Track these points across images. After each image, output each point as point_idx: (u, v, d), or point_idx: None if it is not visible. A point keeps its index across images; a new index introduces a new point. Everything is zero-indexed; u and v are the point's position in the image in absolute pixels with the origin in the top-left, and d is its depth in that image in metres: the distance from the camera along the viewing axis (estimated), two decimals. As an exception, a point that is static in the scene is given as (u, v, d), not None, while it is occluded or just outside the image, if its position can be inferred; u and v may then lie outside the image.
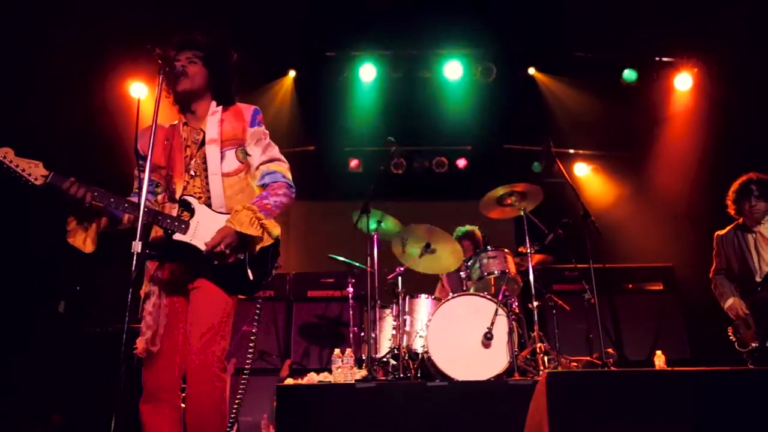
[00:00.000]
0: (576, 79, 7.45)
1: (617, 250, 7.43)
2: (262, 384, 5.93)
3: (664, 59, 7.28)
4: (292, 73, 7.58)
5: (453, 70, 7.38)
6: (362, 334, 5.68)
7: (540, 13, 6.81)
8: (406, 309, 5.30)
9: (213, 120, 3.06)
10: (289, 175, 3.12)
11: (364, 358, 5.21)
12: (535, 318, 4.99)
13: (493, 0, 6.78)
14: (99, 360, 4.87)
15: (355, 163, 8.38)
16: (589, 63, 7.33)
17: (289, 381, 4.96)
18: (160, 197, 3.00)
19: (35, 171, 2.65)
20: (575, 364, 5.14)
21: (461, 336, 4.78)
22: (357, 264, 5.83)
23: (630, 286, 6.95)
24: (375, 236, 5.57)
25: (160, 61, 2.81)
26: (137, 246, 2.50)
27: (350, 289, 5.86)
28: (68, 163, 5.48)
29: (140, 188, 2.63)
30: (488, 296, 4.93)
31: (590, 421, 3.05)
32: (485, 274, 5.29)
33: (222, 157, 2.99)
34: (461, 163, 8.40)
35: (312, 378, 4.85)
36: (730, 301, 4.73)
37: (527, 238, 5.24)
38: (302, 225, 8.65)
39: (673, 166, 7.23)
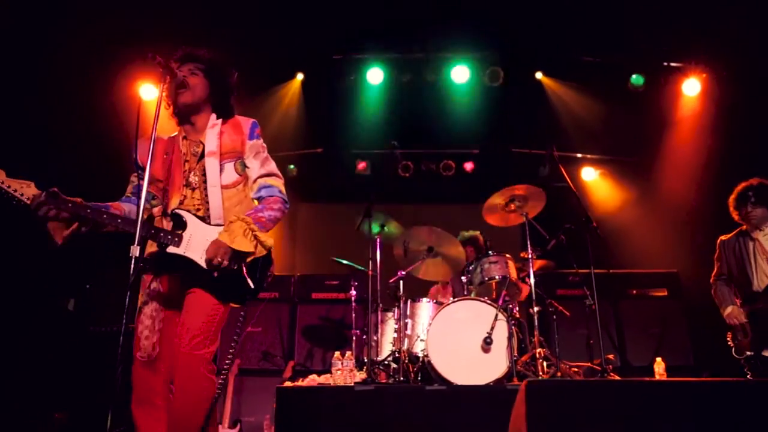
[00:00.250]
0: (584, 84, 7.43)
1: (623, 255, 7.41)
2: (266, 385, 5.99)
3: (672, 64, 7.25)
4: (300, 76, 7.61)
5: (460, 73, 7.38)
6: (364, 336, 5.72)
7: (548, 17, 6.79)
8: (408, 312, 5.34)
9: (212, 133, 3.11)
10: (284, 191, 3.17)
11: (366, 360, 5.26)
12: (536, 323, 5.01)
13: (500, 4, 6.74)
14: (103, 359, 4.93)
15: (363, 166, 8.40)
16: (597, 67, 7.30)
17: (288, 383, 5.02)
18: (155, 210, 3.07)
19: (27, 191, 2.75)
20: (575, 369, 5.15)
21: (461, 340, 4.79)
22: (359, 267, 5.87)
23: (634, 291, 6.93)
24: (378, 239, 5.60)
25: (161, 70, 2.87)
26: (135, 251, 2.55)
27: (353, 292, 5.89)
28: (78, 164, 5.58)
29: (138, 199, 2.68)
30: (489, 301, 4.95)
31: (569, 430, 3.07)
32: (486, 278, 5.31)
33: (221, 170, 3.05)
34: (468, 166, 8.39)
35: (312, 380, 4.91)
36: (729, 309, 4.73)
37: (529, 243, 5.27)
38: (309, 227, 8.72)
39: (680, 172, 7.20)
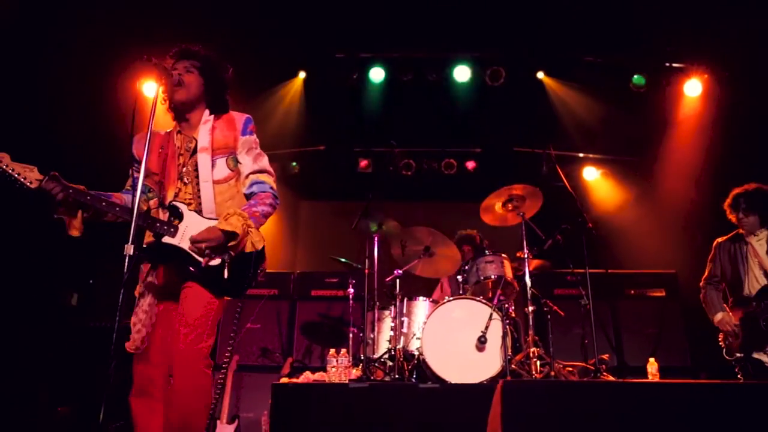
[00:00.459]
0: (585, 84, 7.43)
1: (622, 255, 7.44)
2: (264, 381, 6.02)
3: (674, 65, 7.24)
4: (302, 74, 7.65)
5: (462, 73, 7.40)
6: (361, 334, 5.76)
7: (549, 17, 6.80)
8: (404, 311, 5.39)
9: (205, 129, 3.17)
10: (275, 187, 3.24)
11: (363, 358, 5.31)
12: (530, 322, 5.05)
13: (502, 4, 6.76)
14: (103, 354, 5.00)
15: (365, 164, 8.43)
16: (599, 68, 7.30)
17: (284, 380, 5.07)
18: (152, 202, 3.15)
19: (30, 175, 2.82)
20: (570, 369, 5.18)
21: (456, 339, 4.84)
22: (355, 265, 5.91)
23: (632, 292, 6.93)
24: (376, 238, 5.64)
25: (157, 71, 2.93)
26: (129, 249, 2.61)
27: (351, 290, 5.94)
28: (83, 157, 5.63)
29: (133, 194, 2.75)
30: (484, 300, 4.99)
31: (544, 430, 3.11)
32: (482, 278, 5.34)
33: (213, 165, 3.11)
34: (470, 165, 8.42)
35: (307, 377, 4.95)
36: (719, 316, 4.77)
37: (525, 243, 5.30)
38: (311, 224, 8.78)
39: (681, 172, 7.19)
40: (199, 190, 3.07)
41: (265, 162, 3.25)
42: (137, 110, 2.98)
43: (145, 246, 3.03)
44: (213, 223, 2.95)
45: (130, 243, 2.61)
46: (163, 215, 3.05)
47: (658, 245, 7.37)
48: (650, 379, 5.15)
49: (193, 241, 2.89)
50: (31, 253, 5.75)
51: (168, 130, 3.28)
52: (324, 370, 4.95)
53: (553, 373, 4.87)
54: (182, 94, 3.13)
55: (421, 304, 5.46)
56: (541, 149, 7.22)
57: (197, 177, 3.09)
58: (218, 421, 5.65)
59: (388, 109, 7.81)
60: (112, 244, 3.02)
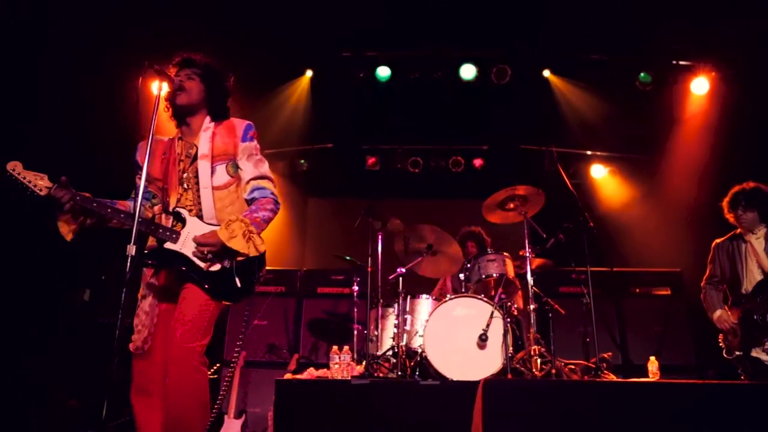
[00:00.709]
0: (592, 82, 7.44)
1: (627, 253, 7.45)
2: (271, 377, 6.06)
3: (681, 62, 7.23)
4: (309, 73, 7.72)
5: (467, 71, 7.43)
6: (365, 331, 5.83)
7: (555, 16, 6.81)
8: (407, 309, 5.42)
9: (205, 136, 3.24)
10: (276, 192, 3.32)
11: (366, 355, 5.37)
12: (532, 320, 5.09)
13: (507, 3, 6.78)
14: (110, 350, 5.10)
15: (372, 161, 8.49)
16: (605, 65, 7.31)
17: (289, 376, 5.14)
18: (156, 208, 3.22)
19: (40, 183, 2.96)
20: (572, 366, 5.21)
21: (457, 337, 4.90)
22: (359, 263, 5.97)
23: (637, 290, 6.95)
24: (380, 236, 5.70)
25: (158, 77, 3.04)
26: (131, 249, 2.70)
27: (355, 288, 6.01)
28: (93, 163, 5.72)
29: (135, 197, 2.86)
30: (485, 299, 5.03)
31: (522, 427, 3.15)
32: (484, 276, 5.39)
33: (212, 172, 3.18)
34: (478, 162, 8.45)
35: (311, 373, 5.02)
36: (718, 313, 4.82)
37: (527, 241, 5.34)
38: (319, 222, 8.84)
39: (687, 170, 7.20)
40: (199, 196, 3.15)
41: (265, 168, 3.32)
42: (140, 115, 3.08)
43: (147, 252, 3.11)
44: (215, 228, 3.03)
45: (132, 243, 2.70)
46: (167, 221, 3.13)
47: (663, 243, 7.37)
48: (651, 377, 5.18)
49: (197, 242, 2.97)
50: (47, 250, 5.86)
51: (171, 137, 3.35)
52: (328, 367, 5.02)
53: (554, 371, 4.90)
54: (183, 99, 3.22)
55: (424, 302, 5.50)
56: (552, 147, 7.26)
57: (197, 183, 3.16)
58: (226, 416, 5.74)
59: (394, 107, 7.89)
60: (124, 242, 3.10)
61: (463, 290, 5.55)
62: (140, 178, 2.88)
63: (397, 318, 5.36)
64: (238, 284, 3.07)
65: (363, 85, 7.65)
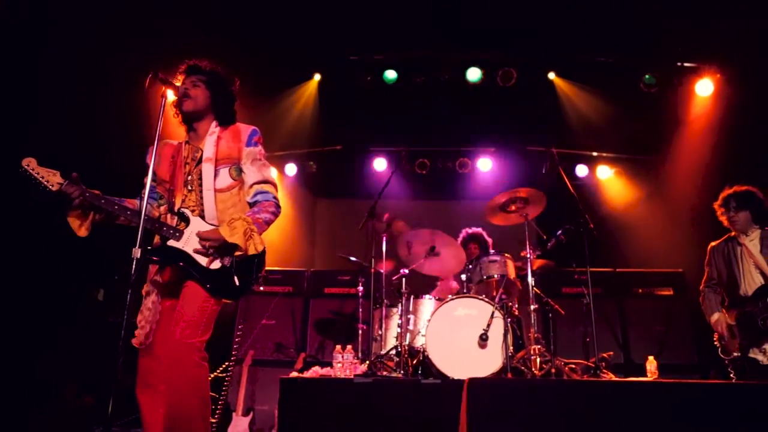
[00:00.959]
0: (597, 84, 7.51)
1: (631, 253, 7.52)
2: (278, 376, 6.17)
3: (686, 64, 7.27)
4: (317, 77, 7.85)
5: (474, 74, 7.52)
6: (370, 331, 5.93)
7: (560, 18, 6.87)
8: (410, 309, 5.53)
9: (211, 140, 3.38)
10: (278, 196, 3.44)
11: (370, 354, 5.48)
12: (532, 320, 5.18)
13: (512, 6, 6.85)
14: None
15: (380, 163, 8.60)
16: (610, 68, 7.38)
17: (295, 374, 5.26)
18: (162, 208, 3.37)
19: (52, 179, 3.10)
20: (573, 366, 5.29)
21: (459, 336, 4.98)
22: (364, 264, 6.08)
23: (640, 290, 7.00)
24: (384, 238, 5.82)
25: (164, 86, 3.16)
26: (137, 252, 2.85)
27: (360, 288, 6.12)
28: (103, 160, 5.84)
29: (140, 199, 3.03)
30: (486, 299, 5.13)
31: (506, 427, 3.23)
32: (485, 277, 5.49)
33: (216, 175, 3.31)
34: (484, 164, 8.54)
35: (316, 371, 5.14)
36: (715, 317, 4.88)
37: (527, 243, 5.43)
38: (328, 222, 9.00)
39: (690, 172, 7.23)
40: (201, 198, 3.28)
41: (268, 173, 3.45)
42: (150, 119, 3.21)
43: (150, 248, 3.23)
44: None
45: (137, 246, 2.84)
46: (172, 220, 3.26)
47: (666, 244, 7.41)
48: (649, 377, 5.24)
49: (200, 236, 3.10)
50: (63, 250, 6.01)
51: (180, 141, 3.50)
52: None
53: (554, 371, 4.99)
54: (189, 105, 3.37)
55: (427, 302, 5.61)
56: (552, 148, 7.35)
57: (200, 185, 3.29)
58: (234, 414, 5.88)
59: (402, 109, 7.97)
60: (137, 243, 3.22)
61: (465, 291, 5.64)
62: (149, 180, 3.04)
63: (401, 318, 5.46)
64: (237, 282, 3.19)
65: (370, 88, 7.74)
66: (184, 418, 2.98)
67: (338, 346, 4.99)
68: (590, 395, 3.48)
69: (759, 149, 6.35)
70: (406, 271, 5.63)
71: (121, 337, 2.81)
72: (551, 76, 7.64)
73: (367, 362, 5.19)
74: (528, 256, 5.38)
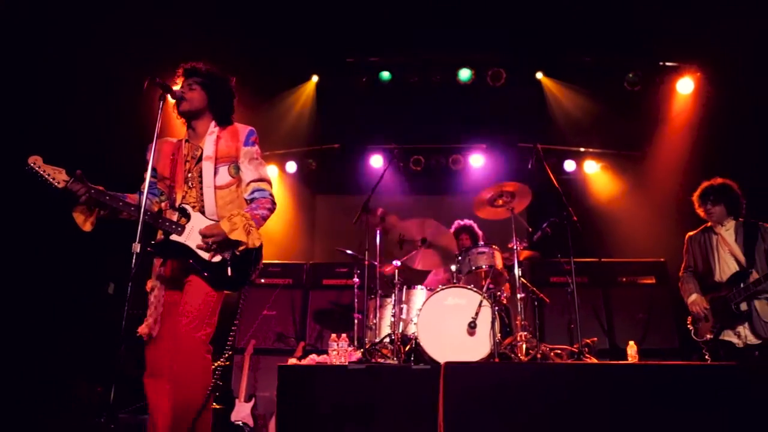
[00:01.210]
0: (583, 83, 7.79)
1: (615, 244, 7.78)
2: (279, 363, 6.49)
3: (668, 63, 7.53)
4: (315, 78, 8.14)
5: (465, 74, 7.80)
6: (365, 320, 6.18)
7: (548, 20, 7.11)
8: (403, 299, 5.75)
9: (210, 139, 3.56)
10: (273, 194, 3.64)
11: (366, 341, 5.73)
12: (519, 308, 5.44)
13: (501, 8, 7.09)
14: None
15: (376, 160, 8.86)
16: (596, 67, 7.64)
17: (292, 361, 5.53)
18: (163, 204, 3.56)
19: (58, 176, 3.24)
20: (558, 351, 5.54)
21: (449, 324, 5.16)
22: (359, 256, 6.32)
23: (624, 279, 7.27)
24: (378, 231, 6.07)
25: (161, 89, 3.36)
26: (136, 247, 3.03)
27: (356, 279, 6.39)
28: (106, 157, 6.04)
29: (140, 195, 3.24)
30: (475, 288, 5.37)
31: (480, 408, 3.43)
32: (474, 267, 5.72)
33: (215, 172, 3.49)
34: (477, 160, 8.80)
35: (312, 359, 5.40)
36: (692, 297, 5.10)
37: (514, 235, 5.69)
38: (327, 218, 9.26)
39: (671, 166, 7.49)
40: (202, 194, 3.46)
41: (265, 171, 3.65)
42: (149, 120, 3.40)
43: (154, 243, 3.41)
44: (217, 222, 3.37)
45: (137, 242, 3.02)
46: (173, 216, 3.45)
47: (649, 235, 7.67)
48: (629, 360, 5.51)
49: (202, 233, 3.29)
50: (78, 244, 6.22)
51: (180, 139, 3.69)
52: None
53: (539, 356, 5.23)
54: (185, 106, 3.54)
55: (419, 292, 5.83)
56: (544, 144, 7.62)
57: (201, 182, 3.48)
58: (237, 400, 6.16)
59: (397, 109, 8.27)
60: (146, 238, 3.41)
61: (454, 281, 5.90)
62: (149, 176, 3.26)
63: (394, 307, 5.68)
64: (236, 274, 3.37)
65: (366, 89, 8.03)
66: (191, 404, 3.16)
67: (333, 335, 5.23)
68: (561, 377, 3.69)
69: (736, 144, 6.61)
70: (398, 262, 5.88)
71: (122, 327, 2.96)
72: (539, 75, 7.92)
73: (362, 350, 5.44)
74: (515, 247, 5.63)
